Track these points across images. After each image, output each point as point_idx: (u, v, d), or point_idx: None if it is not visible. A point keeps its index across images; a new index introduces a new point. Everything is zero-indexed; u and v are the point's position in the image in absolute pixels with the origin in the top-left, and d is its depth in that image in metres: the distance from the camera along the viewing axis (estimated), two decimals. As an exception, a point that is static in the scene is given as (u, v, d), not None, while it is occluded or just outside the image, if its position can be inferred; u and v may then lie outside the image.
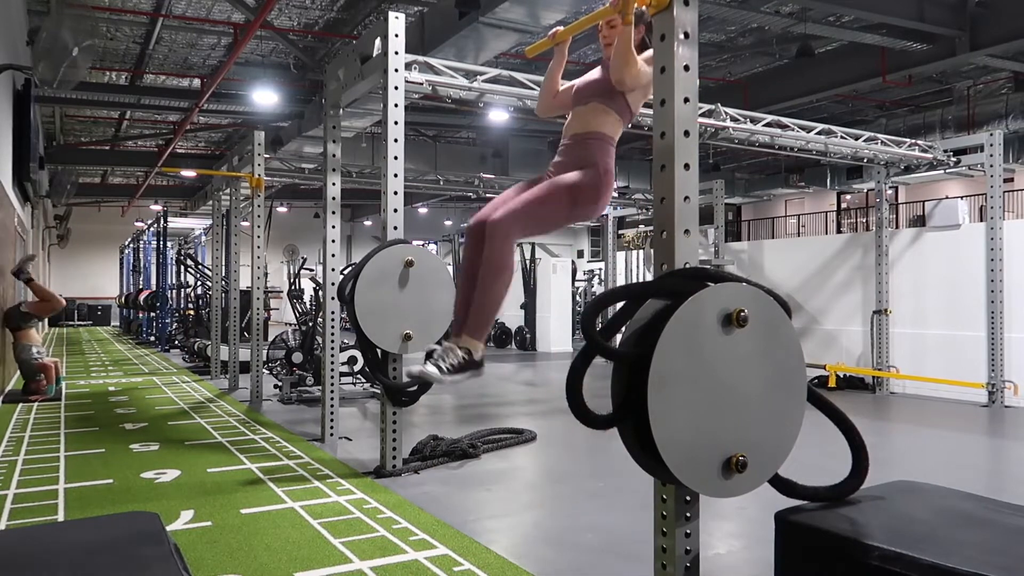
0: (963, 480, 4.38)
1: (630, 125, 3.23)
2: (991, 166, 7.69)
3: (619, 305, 2.18)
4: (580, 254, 27.76)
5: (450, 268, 10.14)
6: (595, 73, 3.20)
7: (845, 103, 14.67)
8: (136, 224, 22.82)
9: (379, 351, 4.62)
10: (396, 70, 4.76)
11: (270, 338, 9.25)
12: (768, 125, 7.30)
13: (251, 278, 7.92)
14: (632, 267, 14.75)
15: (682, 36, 2.18)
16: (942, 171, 8.82)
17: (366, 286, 4.49)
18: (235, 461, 5.01)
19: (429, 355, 2.97)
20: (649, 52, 2.83)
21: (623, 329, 2.13)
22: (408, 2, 9.94)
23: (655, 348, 1.94)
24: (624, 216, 18.60)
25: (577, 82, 3.25)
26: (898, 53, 10.23)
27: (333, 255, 5.59)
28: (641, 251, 15.31)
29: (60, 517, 3.81)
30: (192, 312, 14.52)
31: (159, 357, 13.24)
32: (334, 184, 5.66)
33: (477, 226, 3.08)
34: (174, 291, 16.29)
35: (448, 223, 27.01)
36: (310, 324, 8.31)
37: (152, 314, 16.69)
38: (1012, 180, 17.80)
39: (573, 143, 3.10)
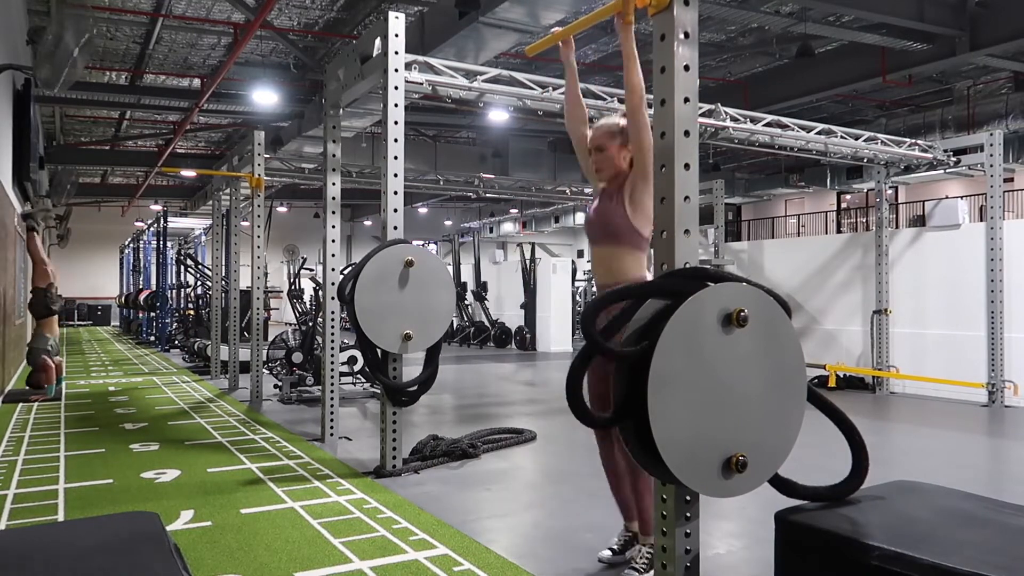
0: (963, 480, 4.38)
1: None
2: (991, 166, 7.69)
3: (619, 305, 2.18)
4: (580, 254, 27.75)
5: (449, 268, 10.13)
6: (602, 201, 3.12)
7: (845, 103, 14.67)
8: (136, 224, 22.84)
9: (379, 351, 4.62)
10: (396, 70, 4.76)
11: (270, 338, 9.25)
12: (768, 125, 7.30)
13: (251, 278, 7.92)
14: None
15: (682, 36, 2.18)
16: (942, 171, 8.83)
17: (366, 286, 4.49)
18: (235, 461, 5.01)
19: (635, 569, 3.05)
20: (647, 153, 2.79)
21: (623, 329, 2.13)
22: (408, 2, 9.94)
23: (655, 348, 1.94)
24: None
25: (588, 215, 3.20)
26: (898, 53, 10.23)
27: (333, 255, 5.59)
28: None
29: (60, 517, 3.81)
30: (192, 312, 14.53)
31: (159, 357, 13.24)
32: (334, 184, 5.66)
33: (602, 429, 3.16)
34: (174, 291, 16.29)
35: (448, 223, 27.01)
36: (310, 324, 8.31)
37: (152, 314, 16.69)
38: (1012, 180, 17.80)
39: None
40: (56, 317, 8.23)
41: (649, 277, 3.03)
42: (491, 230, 23.45)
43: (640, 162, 2.90)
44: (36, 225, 8.54)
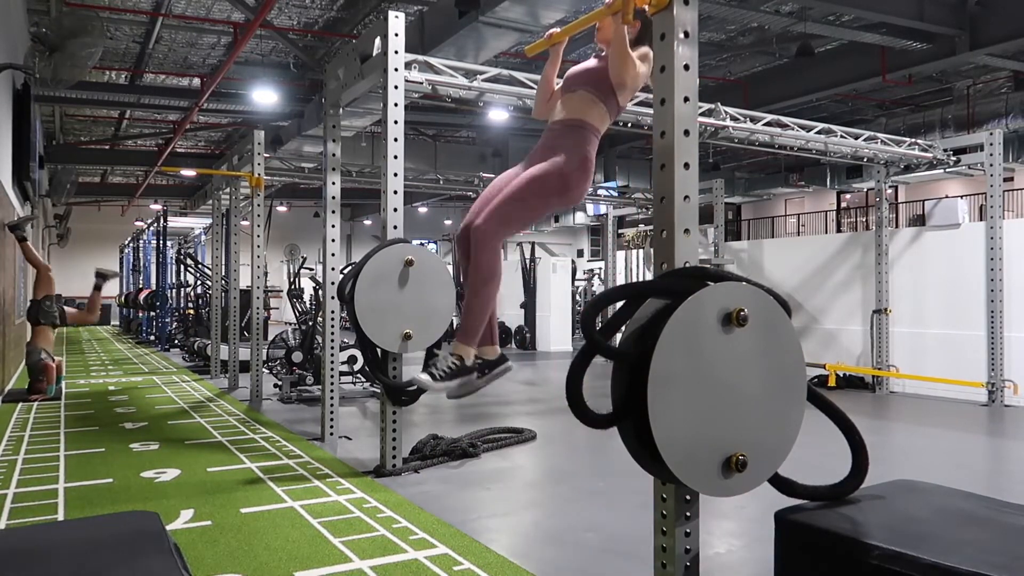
0: (963, 479, 4.38)
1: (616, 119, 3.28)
2: (991, 165, 7.69)
3: (619, 304, 2.18)
4: (580, 253, 27.76)
5: (450, 268, 10.11)
6: (590, 62, 3.18)
7: (845, 103, 14.67)
8: (136, 223, 22.84)
9: (379, 350, 4.62)
10: (396, 69, 4.76)
11: (270, 337, 9.25)
12: (768, 124, 7.30)
13: (251, 277, 7.92)
14: (632, 266, 14.75)
15: (682, 35, 2.18)
16: (942, 170, 8.81)
17: (366, 285, 4.48)
18: (235, 460, 5.01)
19: (427, 363, 3.01)
20: (645, 48, 2.82)
21: (623, 328, 2.13)
22: (408, 1, 9.94)
23: (655, 347, 1.94)
24: (624, 215, 18.57)
25: (569, 71, 3.24)
26: (898, 52, 10.24)
27: (333, 254, 5.59)
28: (641, 250, 15.30)
29: (60, 517, 3.80)
30: (192, 311, 14.52)
31: (159, 356, 13.24)
32: (334, 183, 5.65)
33: (463, 232, 3.12)
34: (174, 290, 16.29)
35: (448, 223, 27.02)
36: (310, 323, 8.31)
37: (152, 313, 16.68)
38: (1012, 179, 17.80)
39: (558, 129, 3.10)
40: (50, 328, 8.10)
41: (601, 129, 3.08)
42: (491, 229, 23.45)
43: (617, 77, 2.92)
44: (25, 235, 8.42)
